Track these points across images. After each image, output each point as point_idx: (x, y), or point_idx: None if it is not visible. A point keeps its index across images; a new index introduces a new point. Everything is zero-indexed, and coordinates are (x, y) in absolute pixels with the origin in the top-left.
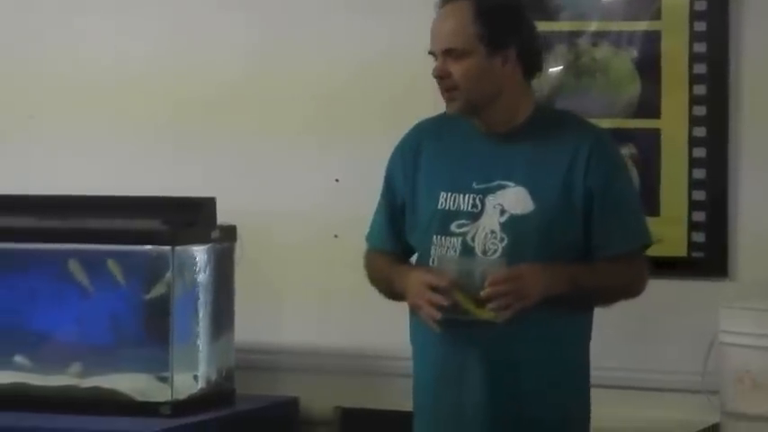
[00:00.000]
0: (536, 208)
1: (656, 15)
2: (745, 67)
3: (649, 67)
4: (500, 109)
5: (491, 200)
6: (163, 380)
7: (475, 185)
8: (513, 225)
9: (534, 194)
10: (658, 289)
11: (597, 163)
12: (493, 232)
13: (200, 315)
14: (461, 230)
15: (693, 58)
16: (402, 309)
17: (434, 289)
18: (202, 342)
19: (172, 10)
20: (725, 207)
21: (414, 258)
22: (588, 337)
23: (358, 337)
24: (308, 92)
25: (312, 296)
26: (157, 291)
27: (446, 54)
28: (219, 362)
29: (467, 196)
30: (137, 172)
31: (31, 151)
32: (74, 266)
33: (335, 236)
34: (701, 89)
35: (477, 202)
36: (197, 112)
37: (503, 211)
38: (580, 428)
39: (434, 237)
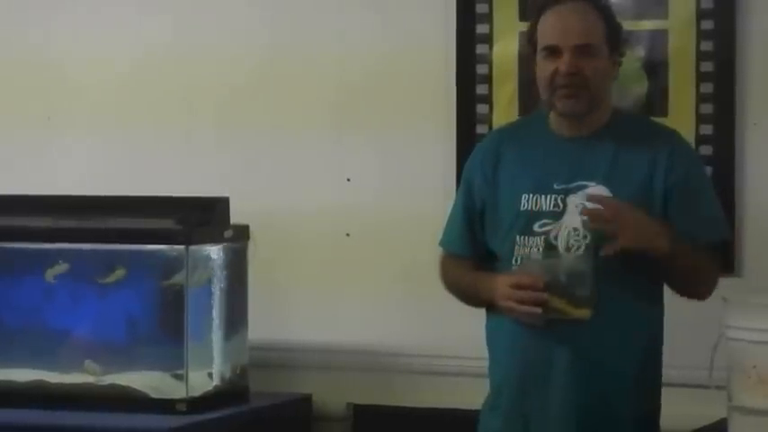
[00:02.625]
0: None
1: (663, 15)
2: (753, 66)
3: (656, 65)
4: (597, 111)
5: (572, 199)
6: (178, 377)
7: (556, 186)
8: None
9: (615, 193)
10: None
11: (677, 163)
12: (576, 230)
13: (214, 313)
14: (544, 230)
15: (700, 56)
16: (413, 307)
17: (523, 289)
18: (216, 340)
19: (186, 5)
20: (732, 204)
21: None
22: (662, 335)
23: (370, 334)
24: (321, 88)
25: (325, 294)
26: (172, 289)
27: (578, 50)
28: (233, 359)
29: (549, 197)
30: (150, 170)
31: (48, 151)
32: (89, 266)
33: (348, 234)
34: (707, 87)
35: (559, 201)
36: (210, 110)
37: (585, 206)
38: (656, 424)
39: (518, 237)
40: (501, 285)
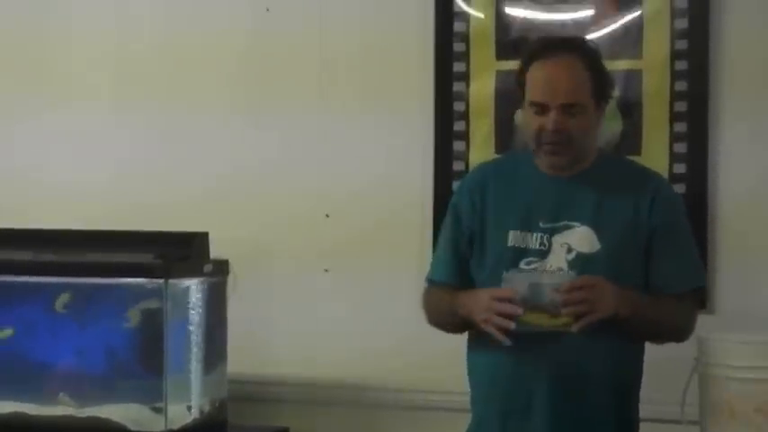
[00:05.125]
0: (602, 247)
1: (638, 55)
2: (726, 105)
3: (631, 105)
4: (581, 155)
5: (558, 239)
6: (157, 410)
7: (542, 225)
8: (580, 263)
9: (600, 234)
10: None
11: (661, 206)
12: (560, 269)
13: (194, 347)
14: (530, 267)
15: (674, 96)
16: (389, 341)
17: (503, 301)
18: (195, 373)
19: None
20: (704, 244)
21: None
22: (642, 371)
23: (351, 367)
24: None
25: (304, 324)
26: (151, 323)
27: (564, 109)
28: (212, 393)
29: (535, 235)
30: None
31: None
32: (66, 300)
33: (326, 270)
34: (681, 126)
35: (545, 240)
36: (189, 98)
37: (570, 250)
38: None
39: (504, 272)
40: (480, 299)
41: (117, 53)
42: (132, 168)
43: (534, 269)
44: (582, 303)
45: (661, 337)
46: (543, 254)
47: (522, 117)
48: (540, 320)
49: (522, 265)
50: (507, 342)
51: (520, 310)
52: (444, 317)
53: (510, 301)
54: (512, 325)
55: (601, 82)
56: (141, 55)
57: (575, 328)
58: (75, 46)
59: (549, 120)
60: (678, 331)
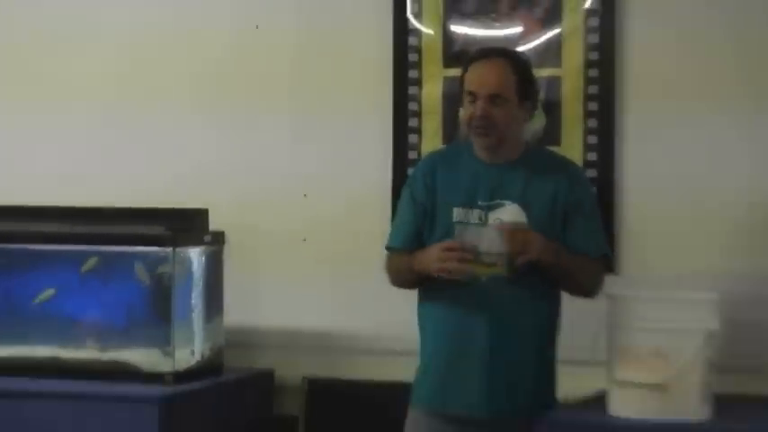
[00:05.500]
0: (529, 220)
1: (558, 64)
2: (629, 106)
3: (552, 105)
4: (510, 145)
5: (492, 214)
6: (166, 354)
7: (480, 203)
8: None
9: (527, 210)
10: None
11: (575, 187)
12: (496, 235)
13: (196, 302)
14: (474, 232)
15: (587, 97)
16: (357, 297)
17: (453, 251)
18: (197, 324)
19: None
20: (612, 217)
21: None
22: (559, 322)
23: (325, 319)
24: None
25: (287, 285)
26: (161, 283)
27: (490, 99)
28: (211, 340)
29: (474, 211)
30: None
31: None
32: (92, 264)
33: (304, 239)
34: (593, 122)
35: (483, 216)
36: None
37: (501, 218)
38: (552, 392)
39: (456, 230)
40: (433, 251)
41: (117, 55)
42: (150, 157)
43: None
44: (519, 243)
45: (577, 287)
46: (481, 227)
47: (462, 109)
48: (480, 270)
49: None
50: (465, 277)
51: (469, 255)
52: (403, 275)
53: (459, 250)
54: (466, 265)
55: (525, 84)
56: (141, 56)
57: (507, 273)
58: (76, 49)
59: (478, 107)
60: (589, 285)
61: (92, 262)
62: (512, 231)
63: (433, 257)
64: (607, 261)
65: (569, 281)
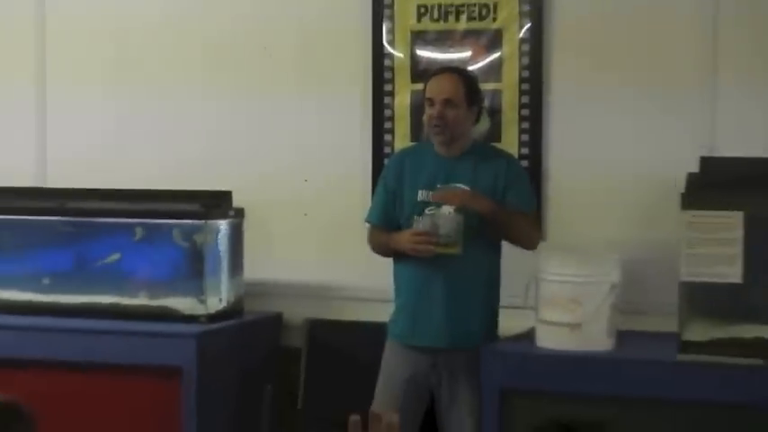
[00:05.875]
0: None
1: (499, 80)
2: (553, 113)
3: (494, 111)
4: (460, 141)
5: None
6: (201, 301)
7: (438, 186)
8: (461, 208)
9: (474, 190)
10: (505, 246)
11: (511, 171)
12: (449, 212)
13: (222, 262)
14: (431, 212)
15: (521, 105)
16: (364, 264)
17: (418, 236)
18: (224, 278)
19: None
20: (540, 197)
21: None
22: (500, 274)
23: (321, 274)
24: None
25: (299, 244)
26: (196, 247)
27: (444, 103)
28: (234, 290)
29: (435, 191)
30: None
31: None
32: (141, 234)
33: (305, 214)
34: (525, 124)
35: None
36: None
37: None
38: (495, 328)
39: (415, 216)
40: (404, 236)
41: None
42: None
43: (433, 214)
44: (467, 196)
45: (517, 236)
46: (439, 204)
47: (425, 116)
48: (440, 249)
49: (426, 211)
50: (431, 254)
51: (434, 239)
52: (382, 249)
53: (426, 232)
54: (432, 248)
55: (472, 94)
56: (141, 40)
57: (457, 251)
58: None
59: (435, 109)
60: (526, 234)
61: (139, 231)
62: (452, 191)
63: (405, 240)
64: (538, 218)
65: (511, 230)
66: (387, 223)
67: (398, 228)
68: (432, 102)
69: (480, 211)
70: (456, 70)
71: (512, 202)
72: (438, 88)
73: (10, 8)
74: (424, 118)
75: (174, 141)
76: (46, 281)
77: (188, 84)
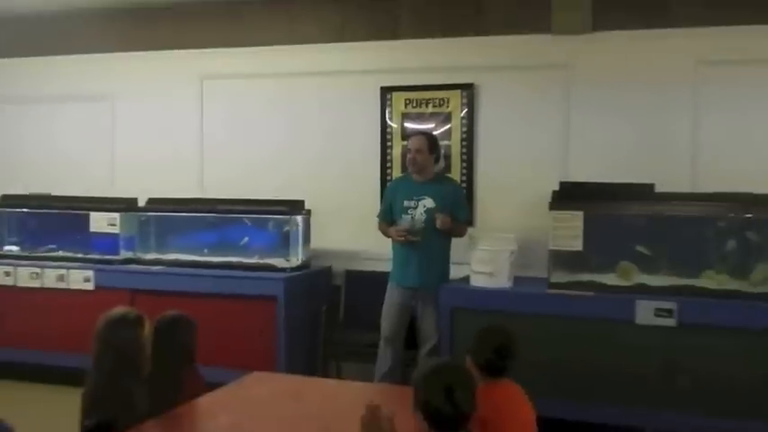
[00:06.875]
0: (436, 205)
1: (449, 139)
2: (479, 158)
3: (447, 156)
4: (426, 173)
5: (421, 202)
6: (287, 260)
7: (415, 198)
8: (428, 210)
9: (435, 201)
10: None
11: (457, 194)
12: (422, 213)
13: (298, 239)
14: (411, 212)
15: (462, 154)
16: (376, 240)
17: (401, 231)
18: (300, 247)
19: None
20: (472, 202)
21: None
22: (450, 250)
23: (353, 244)
24: None
25: (340, 228)
26: (285, 231)
27: (416, 151)
28: (305, 254)
29: (412, 200)
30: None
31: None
32: (257, 223)
33: (341, 211)
34: (465, 164)
35: (416, 203)
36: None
37: (425, 206)
38: (448, 267)
39: (402, 215)
40: (392, 230)
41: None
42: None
43: (411, 216)
44: (447, 223)
45: (458, 234)
46: (415, 208)
47: (407, 158)
48: (412, 238)
49: (408, 212)
50: (404, 242)
51: (409, 235)
52: (384, 233)
53: (406, 230)
54: (411, 238)
55: (433, 146)
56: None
57: (420, 238)
58: None
59: (412, 155)
60: (463, 232)
61: (256, 223)
62: (446, 221)
63: (392, 232)
64: (469, 222)
65: (455, 232)
66: (386, 219)
67: (393, 222)
68: (410, 151)
69: (446, 228)
70: (424, 133)
71: (457, 215)
72: (413, 143)
73: (183, 92)
74: (407, 160)
75: (275, 172)
76: (205, 250)
77: (285, 140)
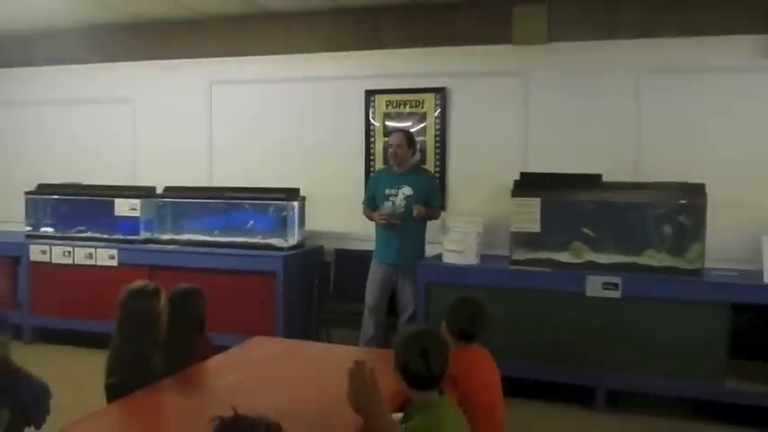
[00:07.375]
0: (414, 193)
1: (425, 135)
2: (450, 151)
3: (423, 150)
4: (406, 165)
5: (400, 191)
6: (285, 240)
7: (396, 186)
8: (407, 197)
9: (413, 189)
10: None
11: (432, 184)
12: (402, 200)
13: (295, 221)
14: (392, 199)
15: (436, 148)
16: (361, 223)
17: (383, 215)
18: (296, 229)
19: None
20: (444, 190)
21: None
22: (426, 230)
23: (342, 226)
24: None
25: (331, 213)
26: (282, 216)
27: (397, 146)
28: (301, 235)
29: (393, 188)
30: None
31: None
32: (258, 208)
33: (331, 197)
34: (438, 157)
35: (396, 191)
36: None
37: (404, 194)
38: (423, 246)
39: (384, 201)
40: (376, 214)
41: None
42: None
43: (392, 203)
44: (423, 212)
45: (433, 218)
46: (396, 196)
47: (388, 153)
48: (393, 222)
49: (390, 198)
50: (385, 225)
51: (390, 218)
52: (369, 218)
53: (388, 215)
54: (393, 221)
55: (411, 142)
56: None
57: (400, 221)
58: None
59: (392, 150)
60: (437, 217)
61: (248, 206)
62: (422, 210)
63: (376, 216)
64: (442, 207)
65: (430, 217)
66: (371, 205)
67: (376, 207)
68: (392, 146)
69: (421, 216)
70: (403, 130)
71: (432, 202)
72: (394, 139)
73: (194, 96)
74: (388, 154)
75: (275, 164)
76: (215, 232)
77: (288, 142)
